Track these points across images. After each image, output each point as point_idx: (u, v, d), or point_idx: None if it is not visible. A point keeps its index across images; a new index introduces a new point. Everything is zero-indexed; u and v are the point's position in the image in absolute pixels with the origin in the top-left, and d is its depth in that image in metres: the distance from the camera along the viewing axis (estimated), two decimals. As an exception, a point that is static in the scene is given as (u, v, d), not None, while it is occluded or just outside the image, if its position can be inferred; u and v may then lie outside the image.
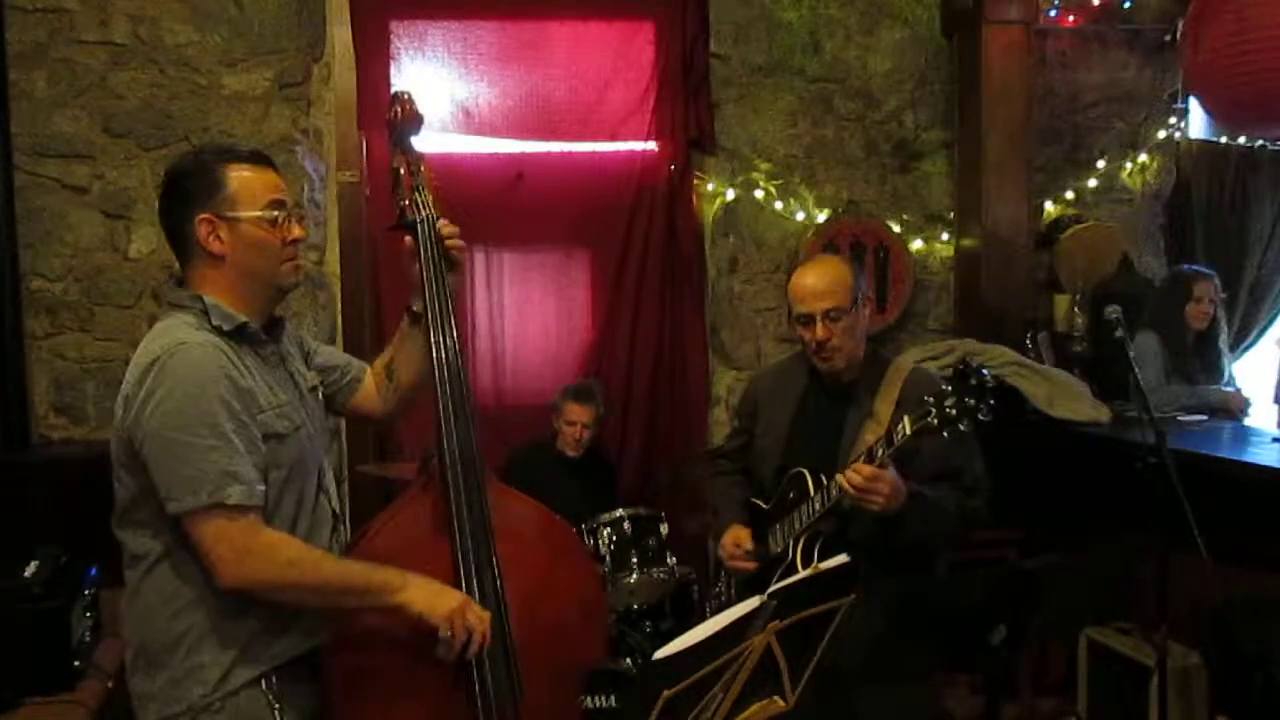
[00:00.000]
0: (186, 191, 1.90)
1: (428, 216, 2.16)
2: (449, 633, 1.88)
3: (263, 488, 1.82)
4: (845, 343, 2.52)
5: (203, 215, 1.88)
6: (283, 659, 1.88)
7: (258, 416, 1.84)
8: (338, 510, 2.05)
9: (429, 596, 1.89)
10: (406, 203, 2.18)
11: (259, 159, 1.96)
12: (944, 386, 2.26)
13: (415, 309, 2.14)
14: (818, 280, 2.52)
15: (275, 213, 1.91)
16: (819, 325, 2.49)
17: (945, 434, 2.23)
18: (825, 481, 2.43)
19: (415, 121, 2.26)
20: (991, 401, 2.22)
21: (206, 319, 1.86)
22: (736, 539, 2.63)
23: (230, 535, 1.77)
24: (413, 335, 2.16)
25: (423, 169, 2.22)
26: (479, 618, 1.92)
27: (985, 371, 2.24)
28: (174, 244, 1.93)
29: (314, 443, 1.99)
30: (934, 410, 2.24)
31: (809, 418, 2.63)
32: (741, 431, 2.84)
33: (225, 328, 1.86)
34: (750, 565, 2.58)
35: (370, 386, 2.22)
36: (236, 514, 1.77)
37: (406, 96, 2.28)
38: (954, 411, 2.22)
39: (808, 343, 2.54)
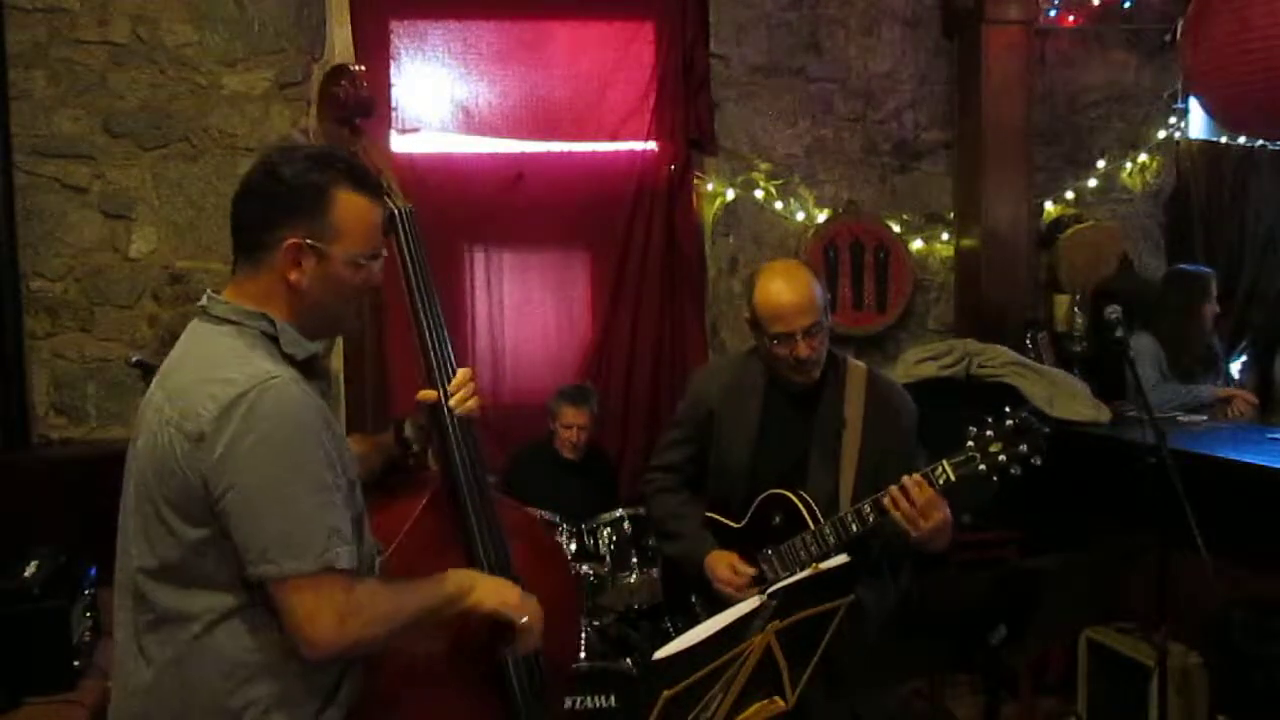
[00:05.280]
0: (282, 200, 1.62)
1: (404, 209, 2.01)
2: (525, 619, 1.81)
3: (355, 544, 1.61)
4: (821, 354, 2.46)
5: (294, 239, 1.61)
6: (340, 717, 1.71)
7: (344, 461, 1.64)
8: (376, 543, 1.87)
9: (496, 592, 1.80)
10: None
11: (370, 182, 1.70)
12: (986, 430, 2.25)
13: (407, 435, 2.01)
14: (796, 297, 2.41)
15: (372, 263, 1.69)
16: (800, 343, 2.40)
17: (995, 478, 2.23)
18: (818, 513, 2.40)
19: (370, 99, 2.05)
20: (1045, 448, 2.22)
21: (273, 344, 1.62)
22: (733, 566, 2.48)
23: (333, 601, 1.54)
24: (384, 457, 2.02)
25: (384, 152, 2.05)
26: (534, 601, 1.87)
27: (1038, 421, 2.24)
28: (240, 243, 1.67)
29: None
30: (978, 456, 2.24)
31: (773, 428, 2.54)
32: (688, 441, 2.68)
33: (298, 357, 1.63)
34: (753, 593, 2.45)
35: None
36: (342, 577, 1.55)
37: (358, 72, 2.04)
38: (1004, 458, 2.22)
39: (783, 359, 2.44)
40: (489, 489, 2.01)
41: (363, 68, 2.07)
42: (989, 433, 2.25)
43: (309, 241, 1.62)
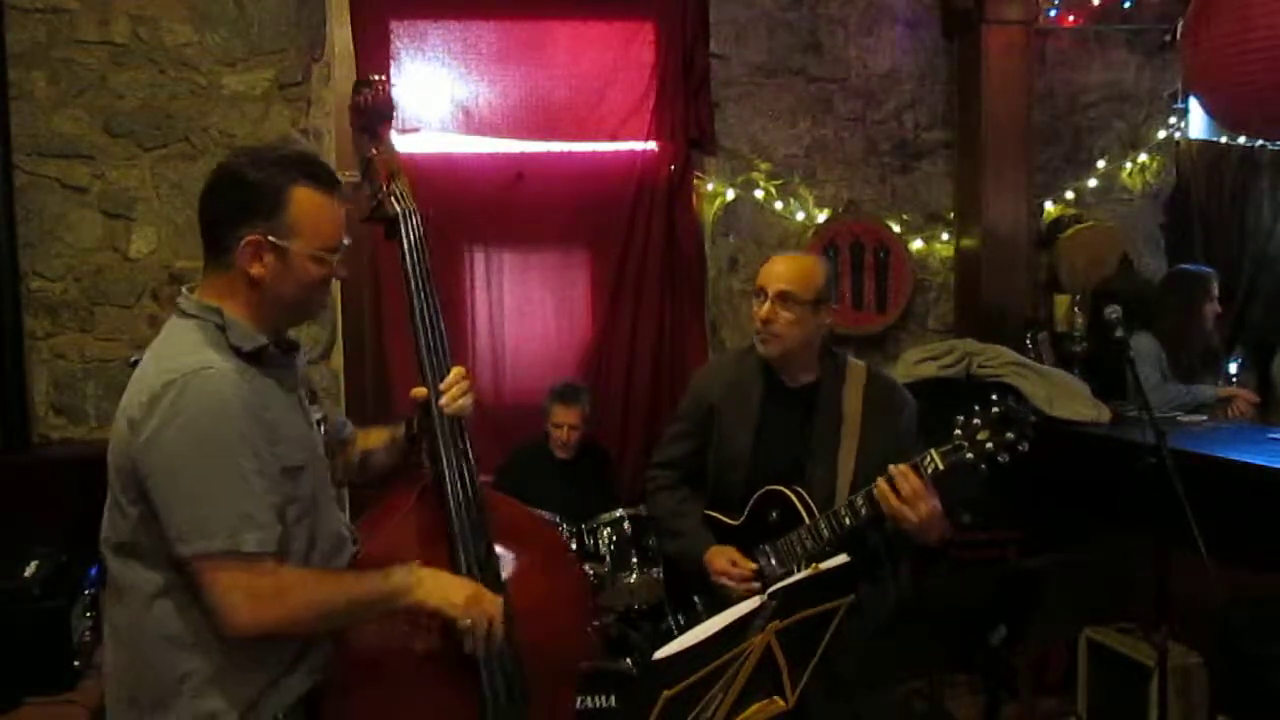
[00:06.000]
0: (240, 199, 1.71)
1: (410, 210, 2.07)
2: (468, 621, 1.80)
3: (279, 529, 1.67)
4: (787, 333, 2.48)
5: (252, 235, 1.70)
6: (291, 699, 1.77)
7: (276, 449, 1.69)
8: (349, 533, 1.94)
9: (441, 589, 1.80)
10: (384, 195, 2.07)
11: (329, 180, 1.77)
12: (974, 419, 2.26)
13: (414, 431, 2.04)
14: (784, 265, 2.53)
15: (333, 256, 1.77)
16: (767, 304, 2.48)
17: (984, 466, 2.24)
18: (813, 506, 2.42)
19: (388, 107, 2.14)
20: (1031, 434, 2.22)
21: (223, 336, 1.71)
22: (732, 560, 2.49)
23: (244, 583, 1.62)
24: (398, 451, 2.08)
25: (396, 159, 2.12)
26: (493, 602, 1.85)
27: (1024, 409, 2.25)
28: (206, 242, 1.76)
29: (324, 472, 1.87)
30: (966, 445, 2.24)
31: (772, 424, 2.56)
32: (689, 436, 2.70)
33: (244, 349, 1.71)
34: (755, 587, 2.38)
35: (348, 452, 2.11)
36: (252, 560, 1.63)
37: (382, 80, 2.16)
38: (991, 446, 2.22)
39: (755, 315, 2.52)
40: (477, 488, 2.01)
41: (382, 76, 2.18)
42: (976, 421, 2.26)
43: (270, 239, 1.71)
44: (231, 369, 1.67)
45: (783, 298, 2.47)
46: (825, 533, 2.39)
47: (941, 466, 2.26)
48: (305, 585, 1.71)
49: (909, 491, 2.26)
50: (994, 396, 2.28)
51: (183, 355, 1.67)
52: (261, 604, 1.64)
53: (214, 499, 1.62)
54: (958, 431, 2.27)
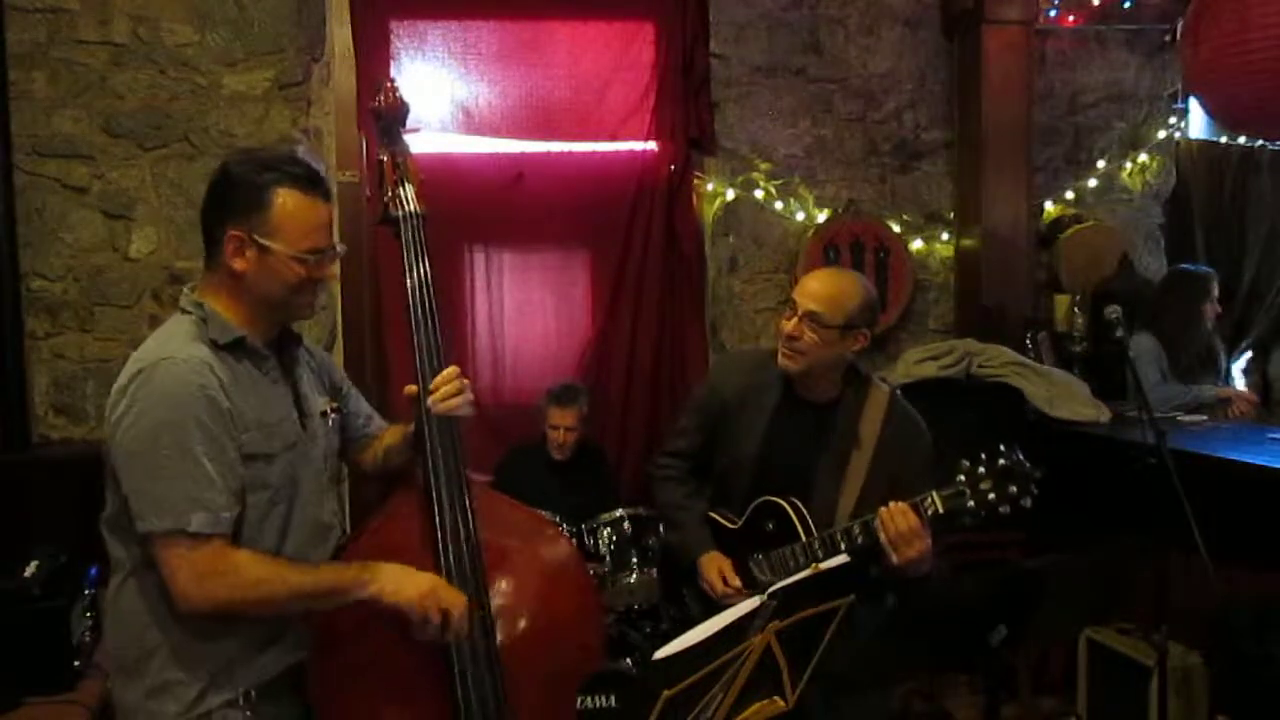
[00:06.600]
0: (226, 197, 1.80)
1: (413, 213, 2.11)
2: (421, 615, 1.82)
3: (230, 514, 1.75)
4: (811, 352, 2.44)
5: (234, 230, 1.78)
6: (265, 677, 1.84)
7: (241, 436, 1.77)
8: (337, 523, 2.00)
9: (397, 583, 1.83)
10: (389, 197, 2.13)
11: (315, 184, 1.84)
12: (979, 467, 2.25)
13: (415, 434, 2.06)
14: (820, 284, 2.48)
15: (312, 257, 1.82)
16: (792, 321, 2.45)
17: (983, 514, 2.23)
18: (810, 522, 2.41)
19: (401, 111, 2.20)
20: (1035, 491, 2.22)
21: (205, 328, 1.80)
22: (722, 573, 2.50)
23: (191, 560, 1.72)
24: (408, 448, 2.10)
25: (407, 161, 2.17)
26: (453, 597, 1.86)
27: (1028, 462, 2.24)
28: (204, 240, 1.86)
29: (309, 461, 1.92)
30: (968, 491, 2.24)
31: (783, 433, 2.54)
32: (699, 430, 2.69)
33: (220, 341, 1.80)
34: (743, 598, 2.39)
35: (374, 446, 2.17)
36: (199, 541, 1.72)
37: (392, 85, 2.22)
38: (994, 497, 2.22)
39: (782, 328, 2.50)
40: (464, 489, 2.00)
41: (393, 79, 2.24)
42: (981, 469, 2.25)
43: (253, 236, 1.79)
44: (202, 360, 1.76)
45: (811, 317, 2.43)
46: (820, 553, 2.39)
47: (941, 510, 2.26)
48: (255, 567, 1.77)
49: (906, 529, 2.25)
50: (1002, 447, 2.26)
51: (155, 347, 1.78)
52: (207, 581, 1.73)
53: (165, 481, 1.71)
54: (961, 477, 2.26)
